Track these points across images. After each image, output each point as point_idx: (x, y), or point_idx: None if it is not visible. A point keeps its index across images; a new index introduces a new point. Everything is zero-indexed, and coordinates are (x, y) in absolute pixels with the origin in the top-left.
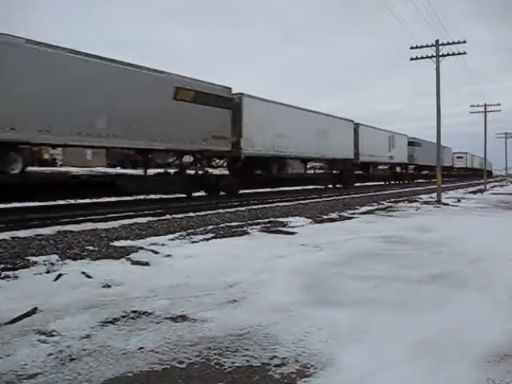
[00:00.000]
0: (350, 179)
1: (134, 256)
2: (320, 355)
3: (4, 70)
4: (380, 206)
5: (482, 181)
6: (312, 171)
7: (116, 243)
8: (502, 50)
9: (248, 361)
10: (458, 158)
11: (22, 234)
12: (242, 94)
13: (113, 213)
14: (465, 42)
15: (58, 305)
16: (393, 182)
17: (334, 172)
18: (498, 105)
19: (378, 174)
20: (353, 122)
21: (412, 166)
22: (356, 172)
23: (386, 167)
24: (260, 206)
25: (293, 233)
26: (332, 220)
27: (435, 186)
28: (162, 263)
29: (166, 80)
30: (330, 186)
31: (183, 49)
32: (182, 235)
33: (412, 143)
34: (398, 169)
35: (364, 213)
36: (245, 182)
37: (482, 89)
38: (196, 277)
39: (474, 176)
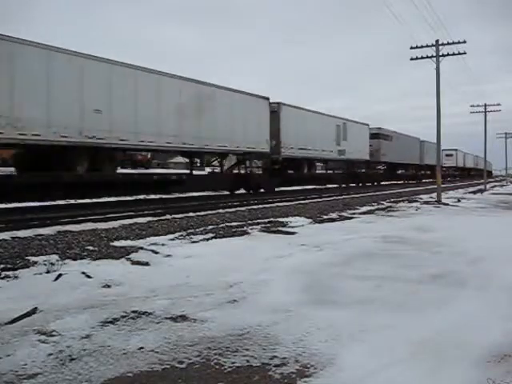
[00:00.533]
0: (266, 182)
1: (134, 256)
2: (320, 355)
3: None
4: (380, 206)
5: (482, 181)
6: (204, 171)
7: (116, 243)
8: (501, 50)
9: (248, 361)
10: (448, 155)
11: (21, 234)
12: None
13: (113, 213)
14: (465, 42)
15: (58, 305)
16: (352, 185)
17: (238, 172)
18: (498, 105)
19: (318, 174)
20: (268, 99)
21: (380, 165)
22: (289, 172)
23: (336, 166)
24: (260, 206)
25: (293, 233)
26: (332, 220)
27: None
28: (162, 263)
29: None
30: (235, 191)
31: (183, 49)
32: (182, 235)
33: (377, 135)
34: (359, 168)
35: (364, 213)
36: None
37: (482, 89)
38: (196, 277)
39: (467, 177)
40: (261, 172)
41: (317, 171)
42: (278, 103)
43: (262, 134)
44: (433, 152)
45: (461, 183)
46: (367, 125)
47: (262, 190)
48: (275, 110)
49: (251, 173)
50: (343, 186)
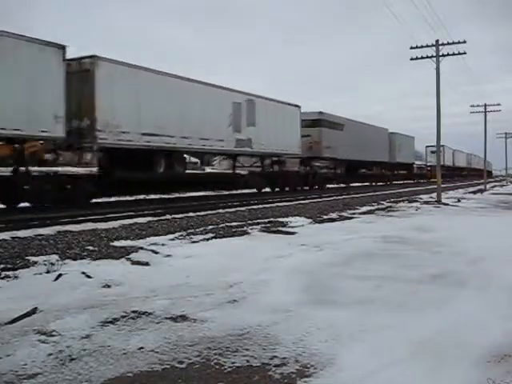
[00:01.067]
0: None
1: (134, 256)
2: (320, 355)
3: None
4: (380, 206)
5: (482, 181)
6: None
7: (116, 243)
8: (501, 49)
9: (248, 361)
10: (433, 152)
11: (21, 234)
12: None
13: (113, 213)
14: (465, 42)
15: (58, 305)
16: (267, 190)
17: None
18: (498, 105)
19: (193, 175)
20: (62, 48)
21: (323, 162)
22: (125, 172)
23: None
24: (260, 206)
25: (293, 233)
26: (332, 220)
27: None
28: (162, 263)
29: None
30: None
31: (184, 49)
32: (182, 235)
33: (317, 122)
34: (286, 166)
35: (364, 213)
36: None
37: (482, 89)
38: (196, 277)
39: (457, 177)
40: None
41: (203, 170)
42: (93, 57)
43: (44, 105)
44: (407, 147)
45: (460, 183)
46: (298, 106)
47: (46, 205)
48: (87, 69)
49: (19, 173)
50: (261, 191)
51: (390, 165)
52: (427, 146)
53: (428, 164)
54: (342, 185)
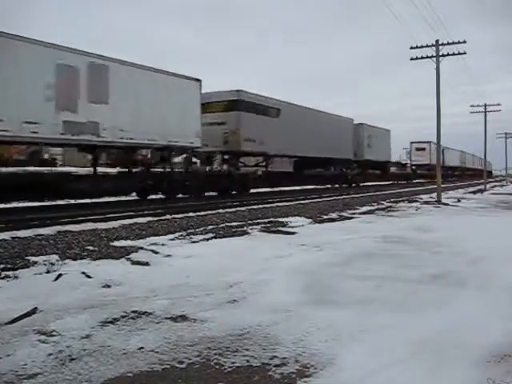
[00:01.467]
0: None
1: (134, 256)
2: (320, 355)
3: None
4: (380, 206)
5: (482, 181)
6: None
7: (116, 243)
8: (502, 50)
9: (248, 361)
10: (418, 150)
11: (22, 234)
12: None
13: (113, 213)
14: (465, 42)
15: (58, 305)
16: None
17: None
18: (498, 105)
19: None
20: None
21: (251, 160)
22: None
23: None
24: (260, 206)
25: (293, 233)
26: (332, 220)
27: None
28: (162, 263)
29: None
30: None
31: (184, 48)
32: (182, 235)
33: (235, 104)
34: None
35: (364, 213)
36: None
37: (482, 89)
38: (196, 277)
39: (450, 178)
40: None
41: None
42: None
43: None
44: (381, 142)
45: (460, 183)
46: (197, 80)
47: None
48: None
49: None
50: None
51: (357, 163)
52: (412, 143)
53: (413, 163)
54: (266, 189)
